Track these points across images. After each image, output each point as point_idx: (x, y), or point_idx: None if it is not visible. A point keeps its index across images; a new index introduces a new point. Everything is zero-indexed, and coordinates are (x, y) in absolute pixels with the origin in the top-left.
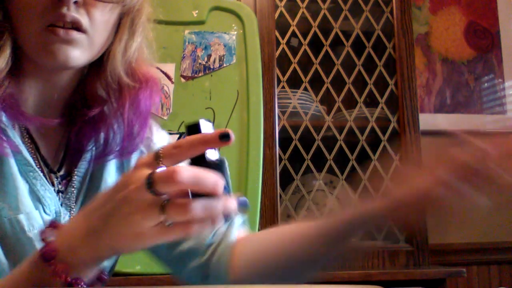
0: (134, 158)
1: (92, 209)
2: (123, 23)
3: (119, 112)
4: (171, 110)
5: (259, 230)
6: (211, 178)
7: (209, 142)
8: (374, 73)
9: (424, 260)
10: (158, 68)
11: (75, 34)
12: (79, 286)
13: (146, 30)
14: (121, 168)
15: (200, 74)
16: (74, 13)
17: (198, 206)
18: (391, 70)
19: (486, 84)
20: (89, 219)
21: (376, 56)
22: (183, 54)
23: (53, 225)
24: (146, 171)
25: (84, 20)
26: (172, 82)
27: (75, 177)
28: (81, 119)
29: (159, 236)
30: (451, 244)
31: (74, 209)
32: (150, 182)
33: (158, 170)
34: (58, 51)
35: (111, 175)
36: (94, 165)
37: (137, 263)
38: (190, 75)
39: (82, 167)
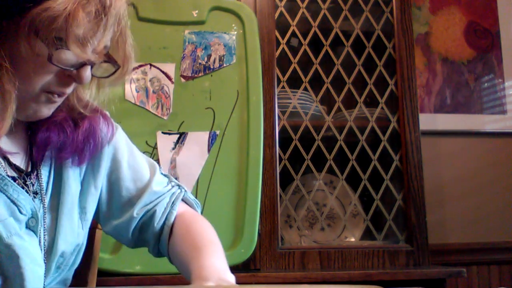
0: (81, 167)
1: None
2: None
3: (77, 130)
4: (171, 110)
5: (259, 230)
6: None
7: None
8: (374, 73)
9: (424, 260)
10: (158, 68)
11: (61, 98)
12: None
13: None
14: (76, 174)
15: (200, 74)
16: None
17: None
18: (391, 70)
19: (486, 84)
20: None
21: (376, 56)
22: (183, 54)
23: None
24: None
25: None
26: (172, 82)
27: (42, 171)
28: (42, 128)
29: None
30: (451, 244)
31: (45, 200)
32: None
33: None
34: (42, 112)
35: (70, 176)
36: (55, 164)
37: (137, 263)
38: (190, 75)
39: (46, 164)
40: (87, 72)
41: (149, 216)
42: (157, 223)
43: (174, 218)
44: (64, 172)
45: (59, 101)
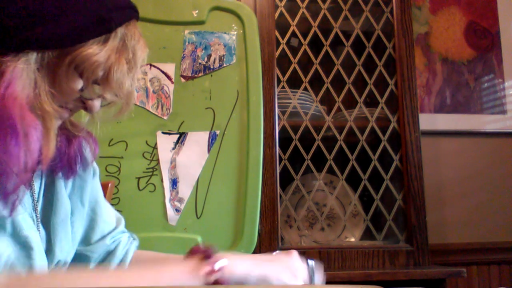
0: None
1: (264, 260)
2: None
3: (70, 145)
4: (171, 110)
5: (259, 230)
6: None
7: None
8: (374, 73)
9: (424, 260)
10: (158, 68)
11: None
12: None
13: None
14: (63, 187)
15: (200, 74)
16: None
17: None
18: (391, 70)
19: (486, 84)
20: (261, 264)
21: (376, 56)
22: (183, 54)
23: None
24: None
25: None
26: (172, 82)
27: (34, 181)
28: None
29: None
30: (451, 244)
31: (38, 209)
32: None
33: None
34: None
35: (62, 188)
36: (46, 176)
37: None
38: (190, 75)
39: (37, 175)
40: (99, 104)
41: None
42: (120, 251)
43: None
44: (56, 183)
45: (65, 118)
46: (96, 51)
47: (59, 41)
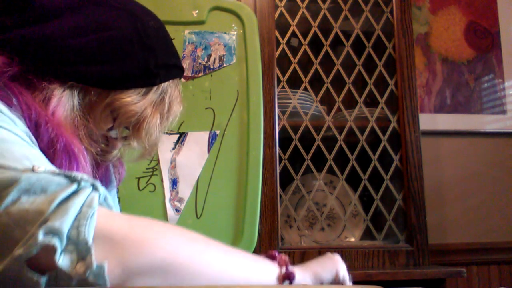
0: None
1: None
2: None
3: (98, 168)
4: None
5: (259, 230)
6: None
7: None
8: (374, 73)
9: (424, 260)
10: None
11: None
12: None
13: None
14: None
15: (200, 74)
16: None
17: None
18: (391, 70)
19: (486, 84)
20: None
21: (376, 56)
22: (183, 54)
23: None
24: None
25: None
26: None
27: None
28: None
29: None
30: (451, 244)
31: None
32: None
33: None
34: None
35: None
36: None
37: None
38: (190, 75)
39: None
40: (121, 144)
41: None
42: None
43: None
44: None
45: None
46: (135, 101)
47: (104, 82)
